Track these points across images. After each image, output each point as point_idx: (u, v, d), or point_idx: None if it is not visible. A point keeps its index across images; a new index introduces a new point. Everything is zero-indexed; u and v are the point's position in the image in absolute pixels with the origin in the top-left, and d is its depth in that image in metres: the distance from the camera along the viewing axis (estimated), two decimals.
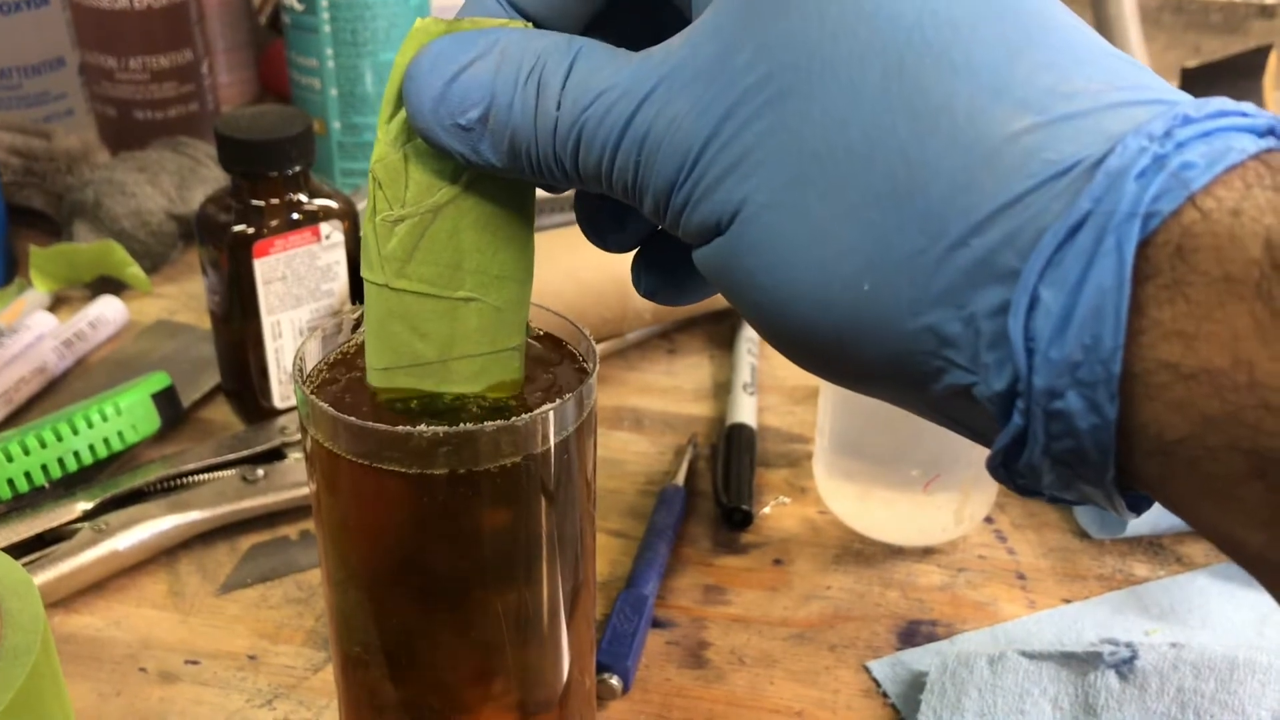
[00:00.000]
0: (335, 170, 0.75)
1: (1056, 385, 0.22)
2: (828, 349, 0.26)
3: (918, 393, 0.25)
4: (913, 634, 0.48)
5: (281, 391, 0.57)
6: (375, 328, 0.32)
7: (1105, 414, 0.22)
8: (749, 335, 0.64)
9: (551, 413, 0.31)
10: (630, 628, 0.46)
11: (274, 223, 0.54)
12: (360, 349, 0.34)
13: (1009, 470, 0.24)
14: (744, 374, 0.61)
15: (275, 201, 0.54)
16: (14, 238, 0.73)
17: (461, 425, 0.30)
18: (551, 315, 0.36)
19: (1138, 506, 0.24)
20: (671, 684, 0.45)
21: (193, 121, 0.82)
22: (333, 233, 0.55)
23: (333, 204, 0.55)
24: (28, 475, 0.50)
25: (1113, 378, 0.22)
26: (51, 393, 0.62)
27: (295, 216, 0.54)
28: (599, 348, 0.63)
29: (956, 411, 0.25)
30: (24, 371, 0.60)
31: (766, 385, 0.63)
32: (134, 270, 0.68)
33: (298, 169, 0.54)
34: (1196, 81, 0.87)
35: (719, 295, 0.66)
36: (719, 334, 0.67)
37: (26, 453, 0.50)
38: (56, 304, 0.69)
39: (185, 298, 0.70)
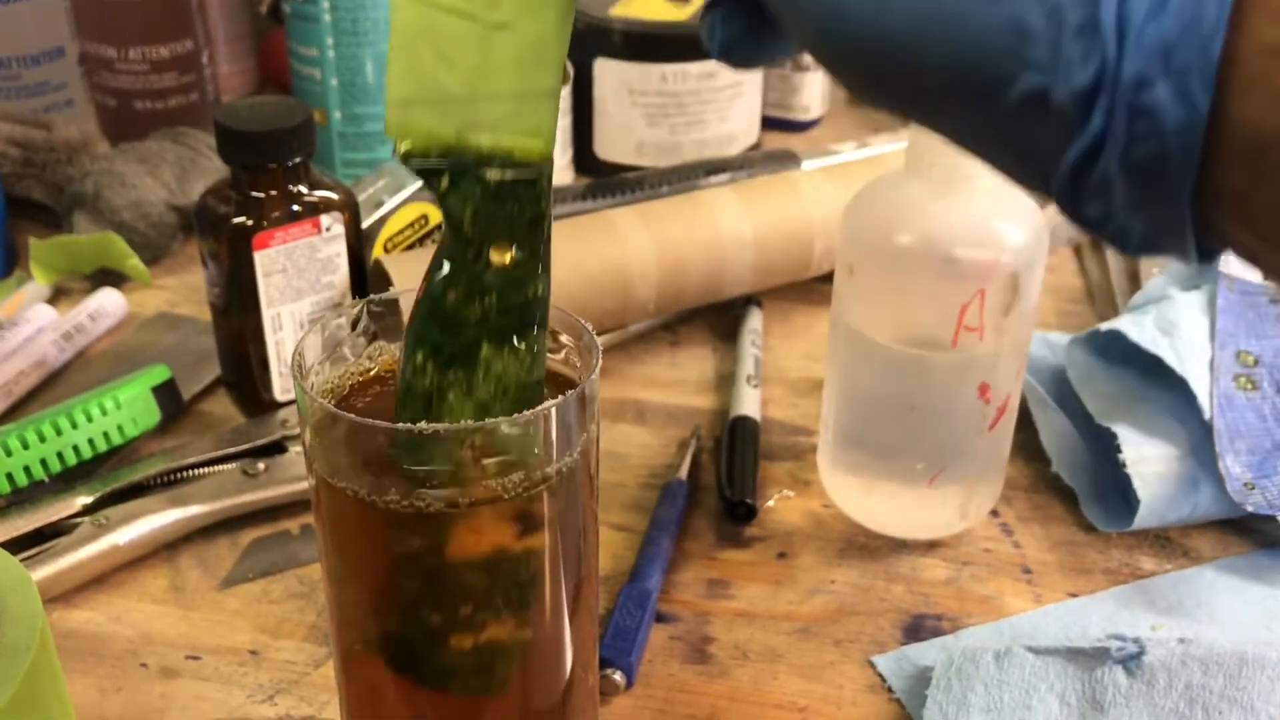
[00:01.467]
0: (336, 161, 0.74)
1: (1147, 73, 0.21)
2: (889, 54, 0.23)
3: (983, 106, 0.23)
4: (918, 628, 0.47)
5: (282, 384, 0.57)
6: (399, 49, 0.29)
7: (1197, 105, 0.20)
8: (752, 327, 0.64)
9: (554, 410, 0.31)
10: (633, 623, 0.46)
11: (274, 214, 0.53)
12: (362, 385, 0.34)
13: (1077, 188, 0.23)
14: (748, 366, 0.60)
15: (275, 193, 0.53)
16: (14, 229, 0.72)
17: (464, 423, 0.30)
18: (553, 310, 0.35)
19: (1208, 254, 0.23)
20: (675, 679, 0.45)
21: (193, 112, 0.81)
22: (333, 224, 0.55)
23: (333, 195, 0.55)
24: (27, 470, 0.50)
25: (1210, 63, 0.20)
26: (51, 386, 0.61)
27: (295, 208, 0.54)
28: (601, 340, 0.63)
29: (1023, 129, 0.23)
30: (23, 365, 0.60)
31: (770, 377, 0.62)
32: (134, 262, 0.67)
33: (298, 160, 0.53)
34: None
35: (721, 287, 0.64)
36: (722, 326, 0.66)
37: (26, 447, 0.50)
38: (56, 296, 0.69)
39: (186, 290, 0.70)
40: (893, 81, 0.24)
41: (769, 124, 0.88)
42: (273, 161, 0.53)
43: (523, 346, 0.32)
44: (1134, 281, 0.70)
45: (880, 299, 0.47)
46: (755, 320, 0.65)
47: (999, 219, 0.46)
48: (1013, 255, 0.45)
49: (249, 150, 0.52)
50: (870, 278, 0.47)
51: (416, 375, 0.31)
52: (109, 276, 0.69)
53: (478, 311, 0.31)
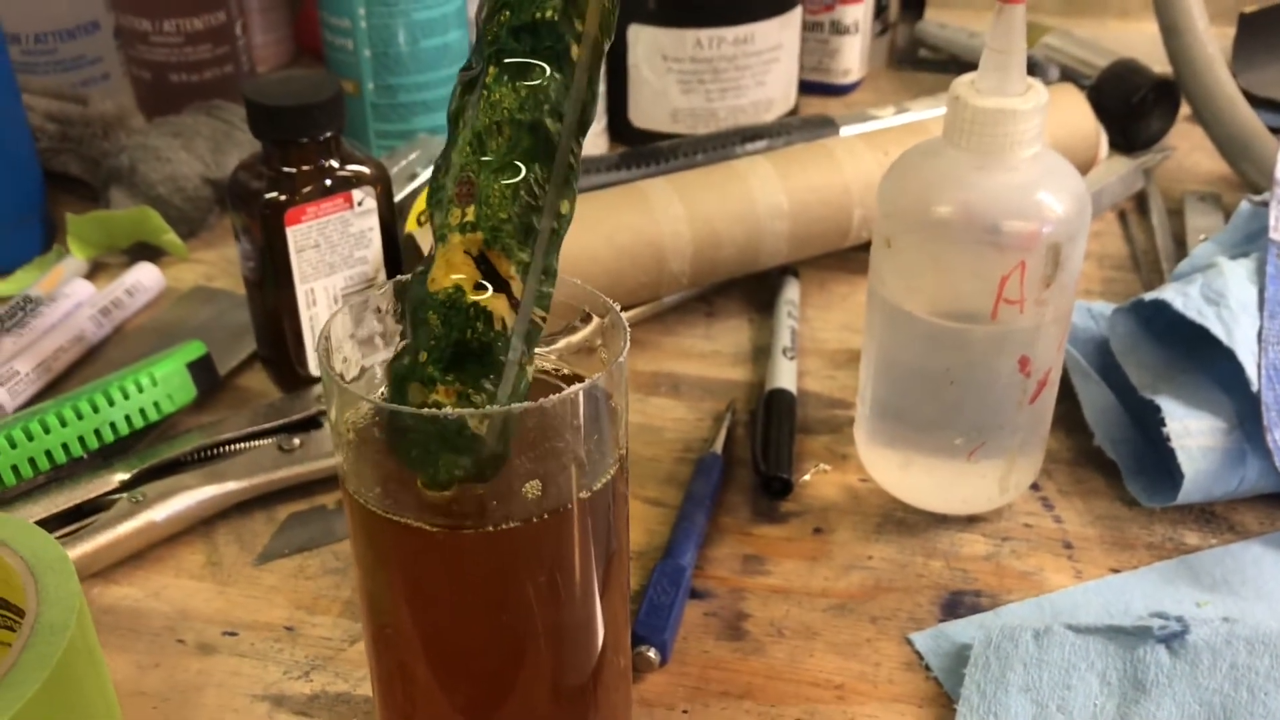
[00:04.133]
0: (369, 133, 0.74)
1: None
2: None
3: None
4: (956, 605, 0.47)
5: (317, 360, 0.57)
6: None
7: None
8: (789, 298, 0.63)
9: (581, 393, 0.30)
10: (667, 599, 0.45)
11: (306, 189, 0.53)
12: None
13: None
14: (784, 338, 0.60)
15: (307, 168, 0.53)
16: (51, 204, 0.72)
17: (492, 407, 0.29)
18: (579, 288, 0.35)
19: None
20: (709, 656, 0.45)
21: (228, 84, 0.81)
22: (365, 199, 0.55)
23: (365, 170, 0.55)
24: (65, 447, 0.50)
25: None
26: (89, 361, 0.62)
27: (327, 183, 0.54)
28: (635, 312, 0.62)
29: None
30: (62, 340, 0.60)
31: (807, 349, 0.61)
32: (170, 237, 0.67)
33: (329, 134, 0.53)
34: (1256, 27, 0.84)
35: (757, 259, 0.63)
36: (758, 296, 0.65)
37: (64, 424, 0.50)
38: (94, 270, 0.69)
39: (222, 263, 0.70)
40: None
41: (807, 88, 0.87)
42: (304, 136, 0.52)
43: (523, 78, 0.29)
44: (1180, 247, 0.69)
45: (918, 271, 0.46)
46: (792, 291, 0.64)
47: (1041, 189, 0.45)
48: (1055, 226, 0.44)
49: (280, 125, 0.52)
50: (908, 249, 0.46)
51: (450, 99, 0.31)
52: (146, 251, 0.69)
53: (493, 29, 0.29)
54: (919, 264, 0.46)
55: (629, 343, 0.32)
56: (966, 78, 0.44)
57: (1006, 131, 0.43)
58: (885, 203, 0.47)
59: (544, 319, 0.31)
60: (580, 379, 0.35)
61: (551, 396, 0.29)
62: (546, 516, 0.31)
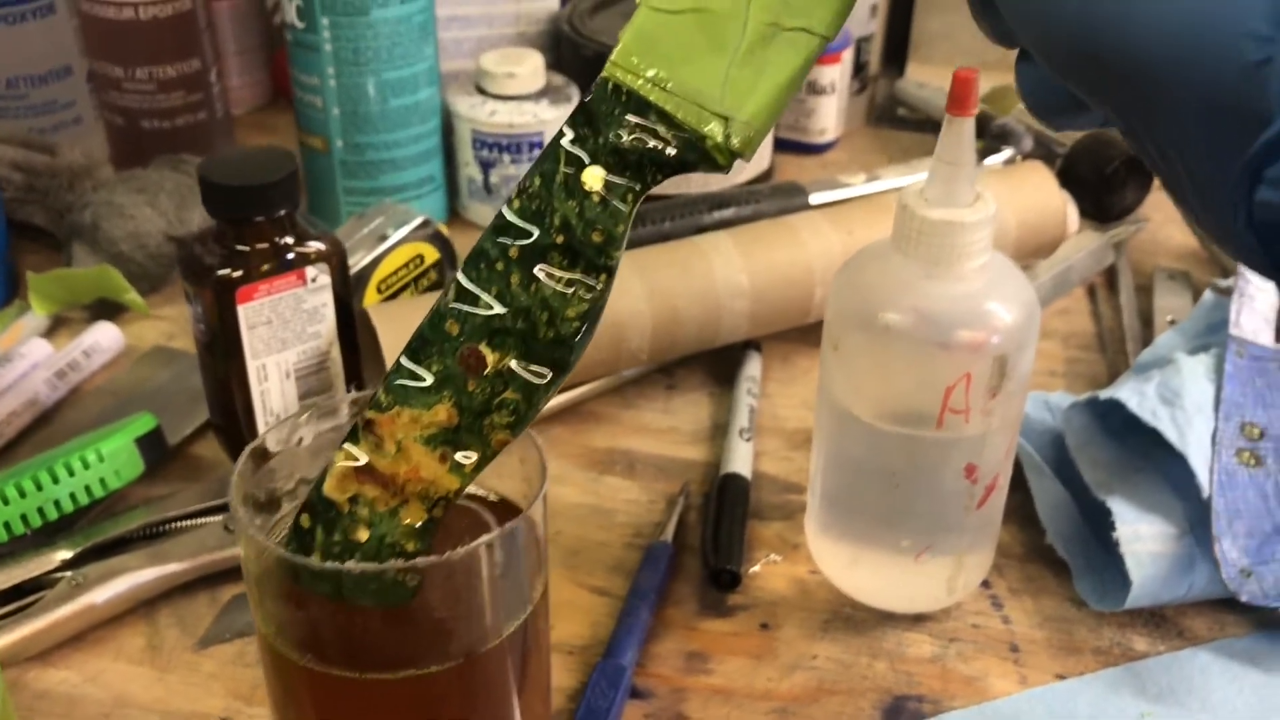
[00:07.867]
0: (338, 189, 0.74)
1: None
2: (1161, 67, 0.25)
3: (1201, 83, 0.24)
4: (899, 710, 0.46)
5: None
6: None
7: None
8: (749, 374, 0.63)
9: (497, 541, 0.30)
10: (605, 704, 0.45)
11: (259, 268, 0.53)
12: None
13: (1255, 181, 0.24)
14: (741, 418, 0.59)
15: (261, 245, 0.53)
16: (15, 254, 0.72)
17: (391, 562, 0.29)
18: None
19: None
20: None
21: (200, 130, 0.81)
22: (319, 275, 0.54)
23: (320, 246, 0.54)
24: (7, 525, 0.50)
25: None
26: (43, 424, 0.61)
27: (282, 260, 0.53)
28: (593, 385, 0.62)
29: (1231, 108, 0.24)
30: (15, 405, 0.60)
31: (766, 426, 0.61)
32: (131, 295, 0.67)
33: (282, 213, 0.52)
34: None
35: (717, 336, 0.62)
36: (720, 368, 0.65)
37: (6, 503, 0.50)
38: (56, 325, 0.68)
39: (183, 321, 0.69)
40: (1157, 95, 0.25)
41: (783, 145, 0.87)
42: (257, 215, 0.52)
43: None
44: (1147, 327, 0.68)
45: (864, 376, 0.46)
46: (753, 367, 0.63)
47: (989, 299, 0.44)
48: (1002, 336, 0.44)
49: (233, 204, 0.52)
50: (854, 354, 0.46)
51: None
52: (108, 306, 0.69)
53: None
54: (865, 368, 0.46)
55: (548, 480, 0.32)
56: (915, 186, 0.44)
57: (955, 242, 0.43)
58: (834, 305, 0.47)
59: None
60: (503, 502, 0.34)
61: (459, 550, 0.29)
62: (458, 662, 0.31)
